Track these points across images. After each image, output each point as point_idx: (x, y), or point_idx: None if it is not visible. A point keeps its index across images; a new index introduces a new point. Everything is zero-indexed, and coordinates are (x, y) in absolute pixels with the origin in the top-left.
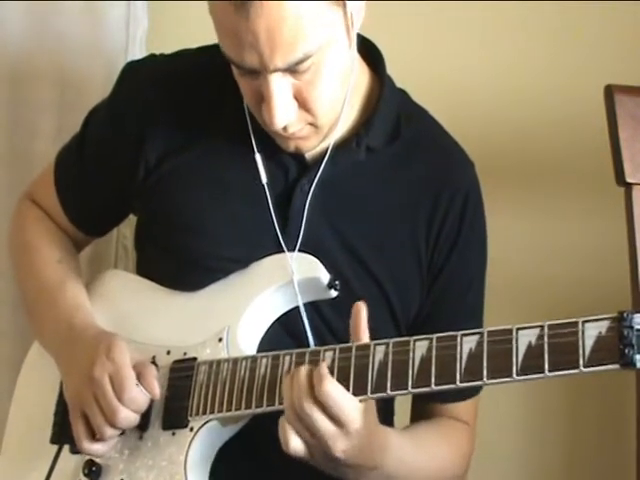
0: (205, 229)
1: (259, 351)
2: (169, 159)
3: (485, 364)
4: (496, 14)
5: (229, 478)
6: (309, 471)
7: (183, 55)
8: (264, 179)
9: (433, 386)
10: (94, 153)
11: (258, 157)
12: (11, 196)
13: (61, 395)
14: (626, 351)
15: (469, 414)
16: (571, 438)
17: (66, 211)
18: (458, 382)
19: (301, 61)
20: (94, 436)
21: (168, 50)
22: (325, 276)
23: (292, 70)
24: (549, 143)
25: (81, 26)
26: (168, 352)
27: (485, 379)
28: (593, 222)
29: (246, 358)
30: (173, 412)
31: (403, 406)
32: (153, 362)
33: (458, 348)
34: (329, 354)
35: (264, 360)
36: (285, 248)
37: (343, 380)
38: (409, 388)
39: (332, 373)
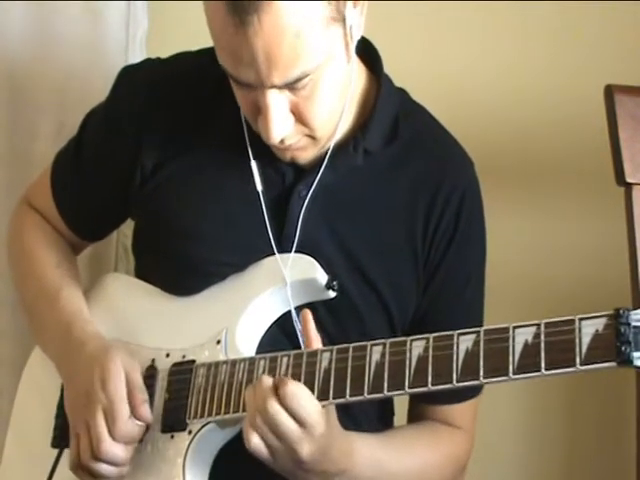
0: (203, 235)
1: (258, 353)
2: (166, 165)
3: (482, 363)
4: (496, 14)
5: None
6: None
7: (180, 59)
8: (259, 187)
9: (430, 386)
10: (91, 157)
11: (254, 164)
12: (11, 196)
13: (62, 399)
14: (623, 348)
15: (464, 418)
16: (571, 438)
17: (63, 215)
18: (455, 382)
19: (299, 79)
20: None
21: (168, 50)
22: (323, 277)
23: (290, 87)
24: (549, 143)
25: (81, 26)
26: (167, 355)
27: (482, 378)
28: (593, 222)
29: (244, 360)
30: (172, 415)
31: (403, 406)
32: (152, 365)
33: (455, 347)
34: (326, 355)
35: (262, 362)
36: (282, 252)
37: (340, 381)
38: (406, 388)
39: (329, 374)
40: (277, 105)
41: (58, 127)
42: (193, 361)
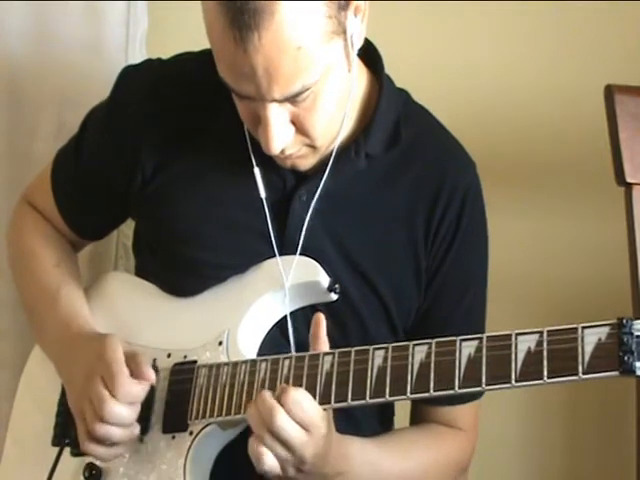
0: (205, 239)
1: (259, 354)
2: (167, 166)
3: (484, 370)
4: (496, 14)
5: None
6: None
7: (181, 60)
8: (262, 193)
9: (432, 391)
10: (91, 157)
11: (256, 170)
12: (11, 196)
13: (63, 396)
14: (626, 358)
15: (466, 420)
16: (571, 438)
17: (63, 214)
18: (457, 388)
19: (299, 93)
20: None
21: (168, 50)
22: (325, 279)
23: (290, 100)
24: (549, 143)
25: (81, 26)
26: (169, 355)
27: (484, 385)
28: (593, 222)
29: (246, 362)
30: (173, 416)
31: (403, 407)
32: (154, 365)
33: (457, 353)
34: (328, 358)
35: (263, 364)
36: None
37: (342, 385)
38: (408, 393)
39: (331, 377)
40: (277, 117)
41: (58, 127)
42: (194, 362)
